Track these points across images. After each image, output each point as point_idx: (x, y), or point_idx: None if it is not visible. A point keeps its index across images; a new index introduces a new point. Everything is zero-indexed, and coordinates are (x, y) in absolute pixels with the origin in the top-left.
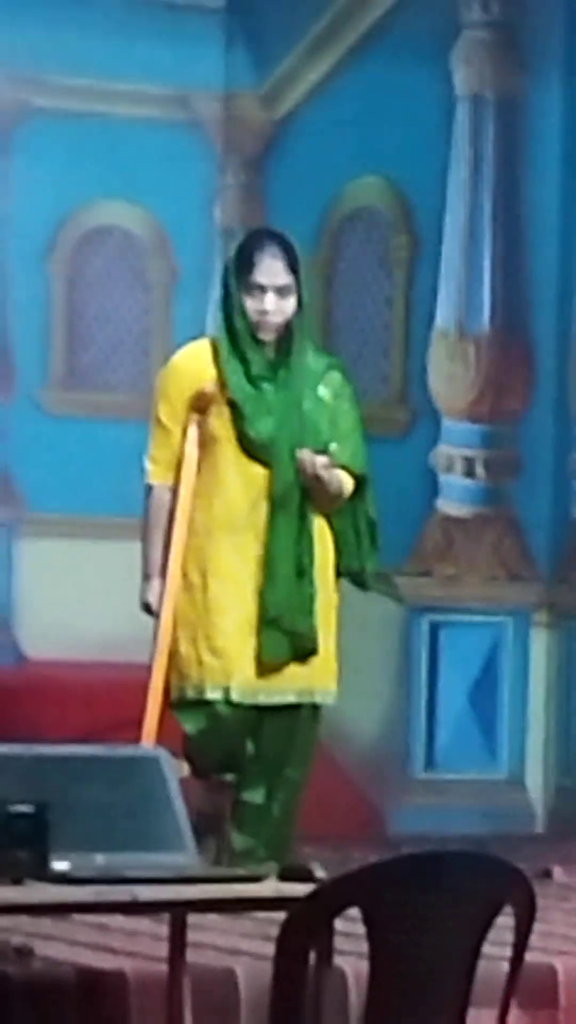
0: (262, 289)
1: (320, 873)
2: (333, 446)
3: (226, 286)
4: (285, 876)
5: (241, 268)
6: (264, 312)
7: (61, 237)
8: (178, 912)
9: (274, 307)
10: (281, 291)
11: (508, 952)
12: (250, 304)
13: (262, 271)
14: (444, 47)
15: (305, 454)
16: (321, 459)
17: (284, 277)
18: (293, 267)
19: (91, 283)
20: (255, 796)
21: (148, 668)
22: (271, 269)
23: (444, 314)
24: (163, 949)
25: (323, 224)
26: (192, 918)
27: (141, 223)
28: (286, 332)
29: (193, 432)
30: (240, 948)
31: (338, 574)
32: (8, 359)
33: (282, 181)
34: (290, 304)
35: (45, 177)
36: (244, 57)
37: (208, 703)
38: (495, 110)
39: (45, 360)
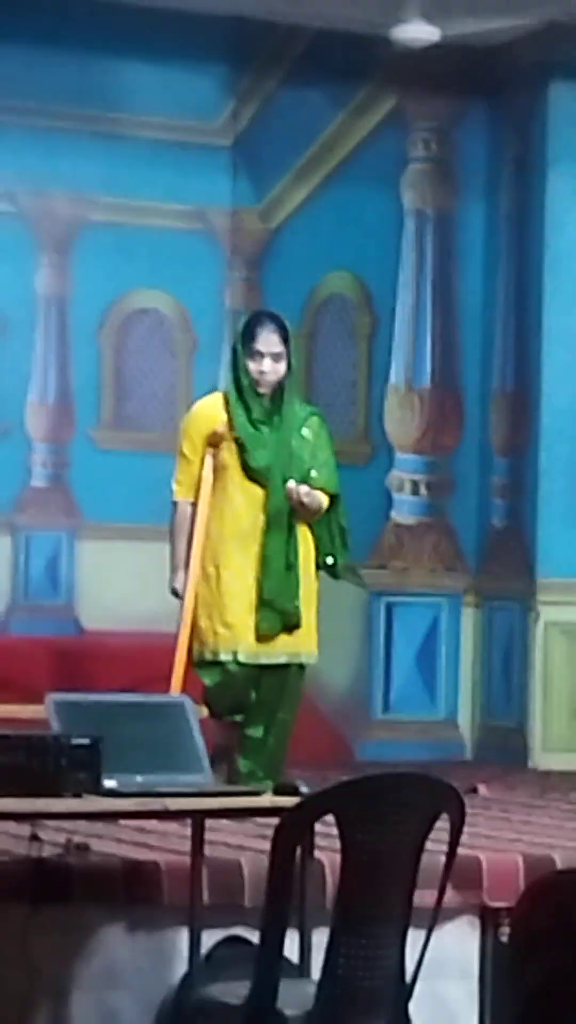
0: (261, 355)
1: (304, 789)
2: (314, 473)
3: (234, 352)
4: (278, 791)
5: (246, 338)
6: (262, 372)
7: (110, 317)
8: (198, 818)
9: (270, 369)
10: (276, 357)
11: (445, 848)
12: (252, 366)
13: (261, 341)
14: (396, 175)
15: (291, 485)
16: (304, 488)
17: (278, 346)
18: (285, 339)
19: (132, 351)
20: (256, 732)
21: (175, 637)
22: (268, 340)
23: (396, 374)
24: (187, 846)
25: (306, 307)
26: (209, 823)
27: (170, 306)
28: (279, 388)
29: (209, 462)
30: (245, 845)
31: (317, 567)
32: (70, 407)
33: (275, 275)
34: (282, 367)
35: (97, 272)
36: (246, 182)
37: (221, 663)
38: (434, 222)
39: (98, 408)
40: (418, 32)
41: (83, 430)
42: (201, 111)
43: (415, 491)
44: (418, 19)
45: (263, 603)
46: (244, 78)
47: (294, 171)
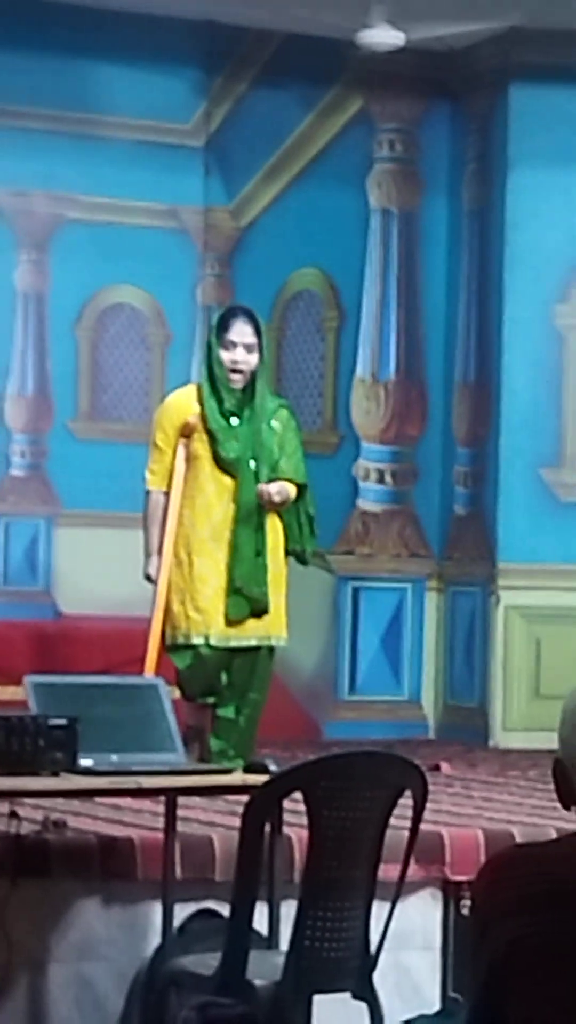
0: (235, 344)
1: (273, 767)
2: (282, 463)
3: (209, 344)
4: (248, 770)
5: (220, 330)
6: (235, 361)
7: (86, 312)
8: (171, 796)
9: (243, 358)
10: (248, 347)
11: (408, 824)
12: (225, 355)
13: (235, 332)
14: (362, 174)
15: (262, 488)
16: (273, 487)
17: (251, 338)
18: (258, 332)
19: (108, 345)
20: (228, 712)
21: (149, 621)
22: (242, 331)
23: (362, 366)
24: (160, 822)
25: (275, 302)
26: (181, 800)
27: (144, 301)
28: (251, 380)
29: (181, 452)
30: (216, 821)
31: (287, 554)
32: (48, 399)
33: (246, 271)
34: (254, 358)
35: (74, 269)
36: (218, 181)
37: (193, 646)
38: (398, 220)
39: (75, 399)
40: (384, 36)
41: (61, 421)
42: (174, 112)
43: (380, 480)
44: (384, 24)
45: (233, 590)
46: (216, 81)
47: (264, 171)
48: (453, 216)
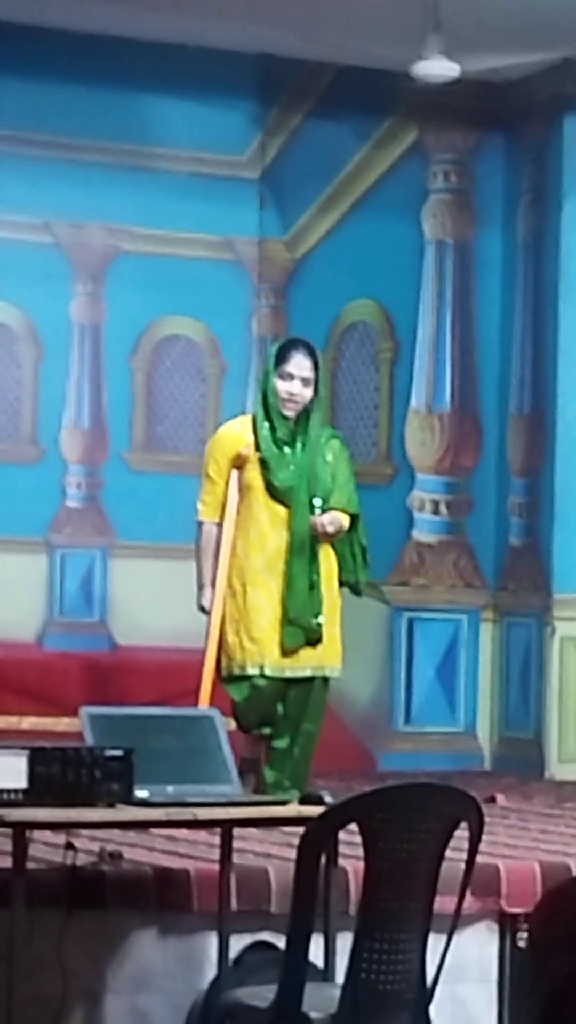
0: (292, 376)
1: (329, 799)
2: (335, 495)
3: (266, 373)
4: (304, 801)
5: (279, 360)
6: (292, 393)
7: (142, 343)
8: (226, 827)
9: (299, 391)
10: (305, 381)
11: (464, 856)
12: (282, 386)
13: (293, 364)
14: (417, 206)
15: (315, 519)
16: (326, 518)
17: (309, 371)
18: (316, 366)
19: (163, 376)
20: (282, 743)
21: (203, 652)
22: (300, 364)
23: (417, 398)
24: (216, 854)
25: (330, 333)
26: (237, 831)
27: (199, 332)
28: (304, 411)
29: (234, 482)
30: (271, 853)
31: (340, 584)
32: (103, 430)
33: (301, 302)
34: (310, 391)
35: (130, 300)
36: (273, 213)
37: (248, 677)
38: (453, 251)
39: (130, 430)
40: (439, 68)
41: (116, 452)
42: (230, 145)
43: (435, 511)
44: (439, 55)
45: (287, 620)
46: (271, 113)
47: (319, 202)
48: (508, 247)
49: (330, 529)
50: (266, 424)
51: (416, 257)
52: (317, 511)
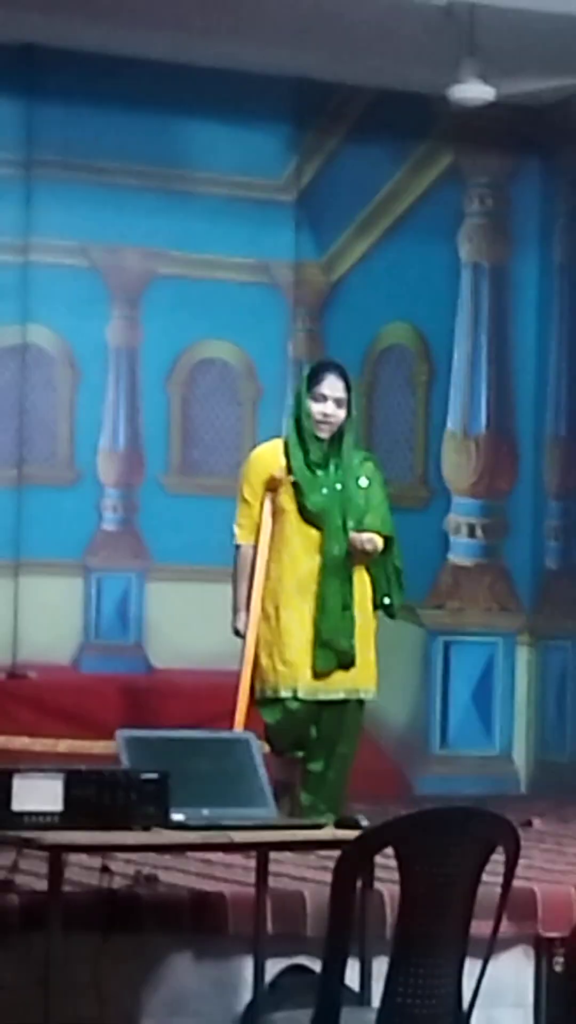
0: (325, 398)
1: (365, 823)
2: (368, 517)
3: (298, 395)
4: (339, 825)
5: (311, 382)
6: (325, 415)
7: (178, 366)
8: (262, 851)
9: (332, 412)
10: (338, 402)
11: (500, 880)
12: (315, 408)
13: (327, 385)
14: (452, 229)
15: (354, 536)
16: (365, 536)
17: (341, 392)
18: (348, 387)
19: (199, 399)
20: (317, 766)
21: (238, 675)
22: (333, 385)
23: (453, 421)
24: (251, 877)
25: (366, 356)
26: (272, 855)
27: (235, 356)
28: (337, 434)
29: (268, 505)
30: (307, 877)
31: (375, 607)
32: (139, 453)
33: (337, 326)
34: (343, 413)
35: (166, 324)
36: (309, 236)
37: (282, 700)
38: (489, 274)
39: (166, 454)
40: (474, 91)
41: (152, 475)
42: (265, 168)
43: (471, 534)
44: (474, 79)
45: (320, 642)
46: (307, 136)
47: (355, 225)
48: (543, 270)
49: (368, 547)
50: (299, 447)
51: (452, 280)
52: (352, 532)
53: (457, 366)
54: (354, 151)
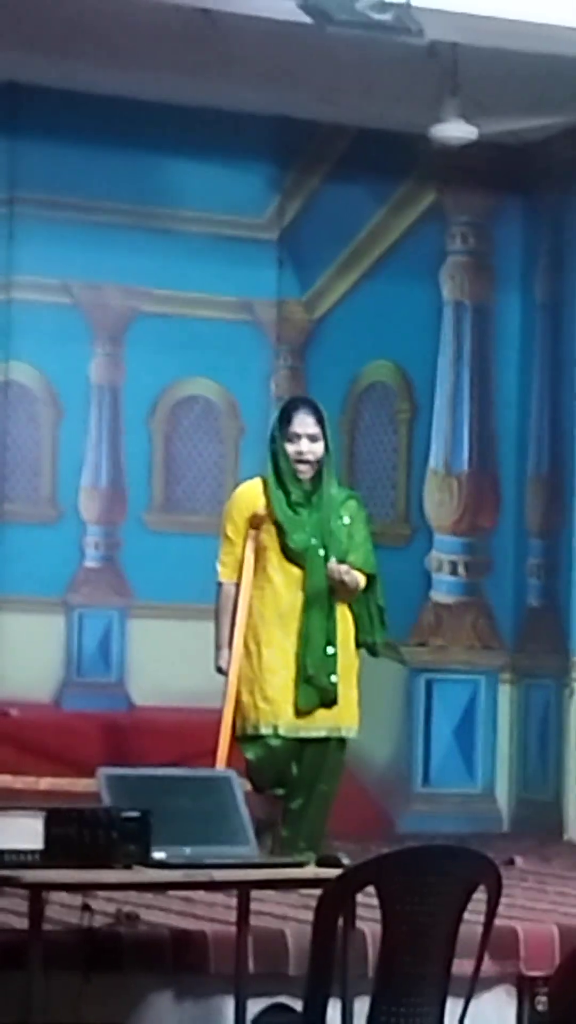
0: (298, 436)
1: (346, 861)
2: (351, 555)
3: (273, 438)
4: (320, 863)
5: (283, 423)
6: (301, 453)
7: (160, 404)
8: (243, 889)
9: (308, 449)
10: (312, 438)
11: (482, 918)
12: (290, 448)
13: (297, 423)
14: (435, 267)
15: (332, 565)
16: (344, 567)
17: (313, 428)
18: (320, 422)
19: (182, 437)
20: (297, 804)
21: (220, 713)
22: (304, 422)
23: (435, 458)
24: (233, 916)
25: (348, 394)
26: (254, 893)
27: (218, 394)
28: (318, 472)
29: (250, 543)
30: (288, 915)
31: (357, 645)
32: (122, 491)
33: (319, 364)
34: (319, 447)
35: (149, 361)
36: (291, 275)
37: (263, 737)
38: (471, 313)
39: (149, 491)
40: (456, 131)
41: (134, 513)
42: (248, 207)
43: (453, 571)
44: (456, 118)
45: (302, 680)
46: (289, 175)
47: (337, 264)
48: (526, 309)
49: (346, 578)
50: (279, 489)
51: (434, 319)
52: (332, 560)
53: (439, 404)
54: (337, 190)
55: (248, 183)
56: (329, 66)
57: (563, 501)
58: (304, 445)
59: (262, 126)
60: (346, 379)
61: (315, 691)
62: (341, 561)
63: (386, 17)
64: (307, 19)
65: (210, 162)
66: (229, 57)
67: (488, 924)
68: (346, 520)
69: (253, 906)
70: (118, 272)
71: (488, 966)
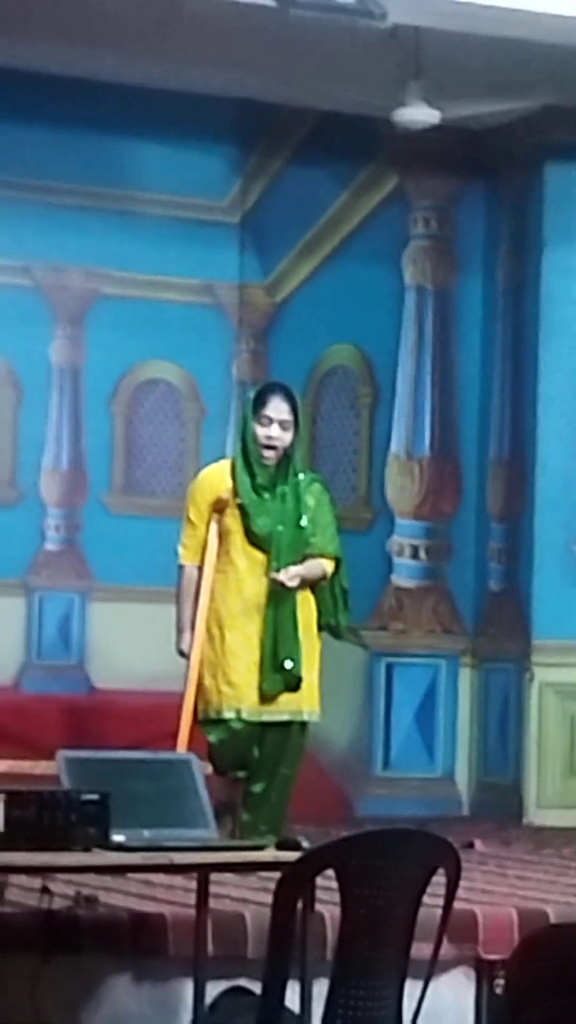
0: (270, 420)
1: (306, 844)
2: (314, 538)
3: (244, 419)
4: (280, 846)
5: (257, 405)
6: (270, 437)
7: (121, 386)
8: (203, 872)
9: (277, 434)
10: (284, 424)
11: (441, 902)
12: (260, 431)
13: (271, 408)
14: (397, 252)
15: (274, 577)
16: (292, 571)
17: (287, 415)
18: (294, 410)
19: (142, 419)
20: (259, 788)
21: (181, 696)
22: (278, 408)
23: (396, 443)
24: (192, 899)
25: (310, 378)
26: (213, 876)
27: (179, 377)
28: (284, 456)
29: (214, 527)
30: (248, 898)
31: (320, 629)
32: (82, 473)
33: (281, 347)
34: (289, 435)
35: (110, 344)
36: (253, 258)
37: (225, 721)
38: (433, 297)
39: (109, 474)
40: (419, 115)
41: (95, 495)
42: (210, 190)
43: (415, 555)
44: (419, 102)
45: (265, 664)
46: (251, 158)
47: (299, 247)
48: (487, 293)
49: (291, 584)
50: (246, 471)
51: (396, 303)
52: (294, 557)
53: (401, 388)
54: (299, 173)
55: (210, 166)
56: (292, 49)
57: (524, 486)
58: (275, 430)
59: (224, 109)
60: (308, 363)
61: (278, 676)
62: (304, 556)
63: (349, 0)
64: (270, 2)
65: (172, 145)
66: (192, 39)
67: (447, 907)
68: (310, 503)
69: (212, 889)
70: (79, 254)
71: (447, 949)
